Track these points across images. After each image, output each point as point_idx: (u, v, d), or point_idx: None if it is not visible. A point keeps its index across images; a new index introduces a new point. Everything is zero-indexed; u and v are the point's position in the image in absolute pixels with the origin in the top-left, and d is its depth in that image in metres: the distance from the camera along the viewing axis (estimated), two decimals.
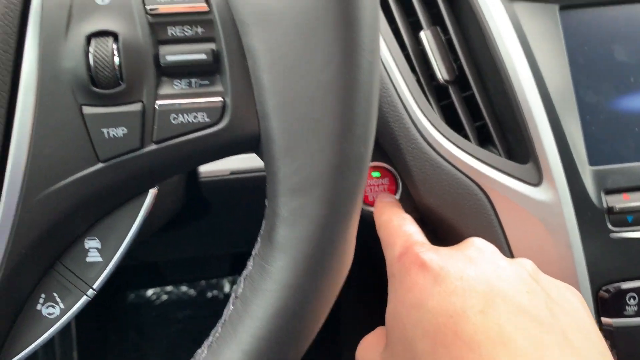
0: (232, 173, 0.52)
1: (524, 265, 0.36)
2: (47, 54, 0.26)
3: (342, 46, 0.26)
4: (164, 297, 1.30)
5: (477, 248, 0.38)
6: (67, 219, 0.28)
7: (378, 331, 0.42)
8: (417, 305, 0.34)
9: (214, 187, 0.53)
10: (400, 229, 0.40)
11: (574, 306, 0.34)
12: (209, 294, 1.32)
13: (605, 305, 0.45)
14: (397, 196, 0.48)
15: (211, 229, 0.81)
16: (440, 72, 0.48)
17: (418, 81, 0.48)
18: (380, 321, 0.40)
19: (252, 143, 0.28)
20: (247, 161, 0.51)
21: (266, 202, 0.28)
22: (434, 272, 0.35)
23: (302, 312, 0.27)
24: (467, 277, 0.34)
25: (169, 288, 1.31)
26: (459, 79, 0.49)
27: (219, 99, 0.27)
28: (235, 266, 1.28)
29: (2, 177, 0.27)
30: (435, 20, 0.50)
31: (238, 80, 0.27)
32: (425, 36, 0.48)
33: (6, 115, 0.26)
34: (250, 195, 0.60)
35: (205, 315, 1.28)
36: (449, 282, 0.34)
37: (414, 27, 0.50)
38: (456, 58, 0.49)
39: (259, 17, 0.26)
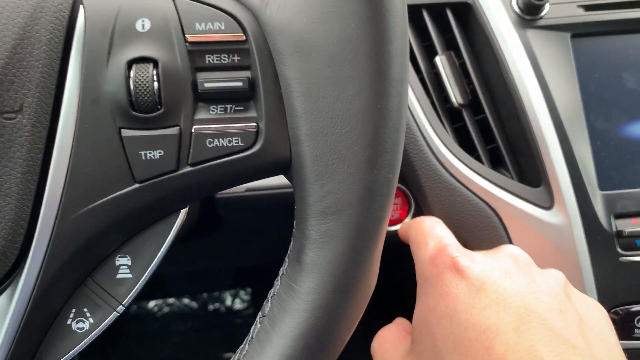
0: (248, 190, 0.52)
1: (556, 278, 0.36)
2: (89, 78, 0.27)
3: (374, 77, 0.27)
4: (166, 309, 1.30)
5: (511, 257, 0.37)
6: (102, 237, 0.29)
7: (397, 327, 0.41)
8: (449, 315, 0.34)
9: (228, 203, 0.54)
10: (432, 230, 0.40)
11: (603, 328, 0.35)
12: (211, 307, 1.32)
13: (615, 327, 0.46)
14: (410, 216, 0.49)
15: (218, 244, 0.81)
16: (455, 96, 0.49)
17: (432, 104, 0.49)
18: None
19: (283, 167, 0.29)
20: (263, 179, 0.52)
21: (294, 224, 0.29)
22: (469, 281, 0.34)
23: (329, 332, 0.28)
24: (502, 291, 0.34)
25: (170, 300, 1.31)
26: (472, 103, 0.50)
27: (253, 124, 0.28)
28: (238, 280, 1.28)
29: (41, 195, 0.28)
30: (450, 45, 0.51)
31: (272, 107, 0.28)
32: (440, 61, 0.50)
33: (47, 136, 0.27)
34: (263, 212, 0.61)
35: (207, 328, 1.28)
36: (484, 295, 0.34)
37: (429, 52, 0.51)
38: (469, 82, 0.50)
39: (294, 47, 0.27)
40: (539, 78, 0.48)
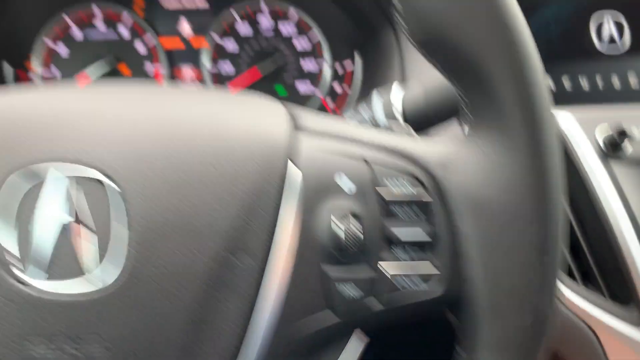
0: None
1: None
2: (304, 226, 0.33)
3: (539, 236, 0.32)
4: None
5: None
6: (298, 352, 0.34)
7: None
8: None
9: None
10: None
11: None
12: None
13: None
14: None
15: None
16: None
17: None
18: None
19: (454, 304, 0.34)
20: None
21: (460, 351, 0.34)
22: None
23: None
24: None
25: None
26: None
27: (435, 271, 0.34)
28: None
29: (250, 313, 0.33)
30: None
31: (450, 254, 0.34)
32: None
33: (264, 271, 0.33)
34: None
35: None
36: None
37: None
38: None
39: (471, 206, 0.33)
40: (625, 205, 0.54)
